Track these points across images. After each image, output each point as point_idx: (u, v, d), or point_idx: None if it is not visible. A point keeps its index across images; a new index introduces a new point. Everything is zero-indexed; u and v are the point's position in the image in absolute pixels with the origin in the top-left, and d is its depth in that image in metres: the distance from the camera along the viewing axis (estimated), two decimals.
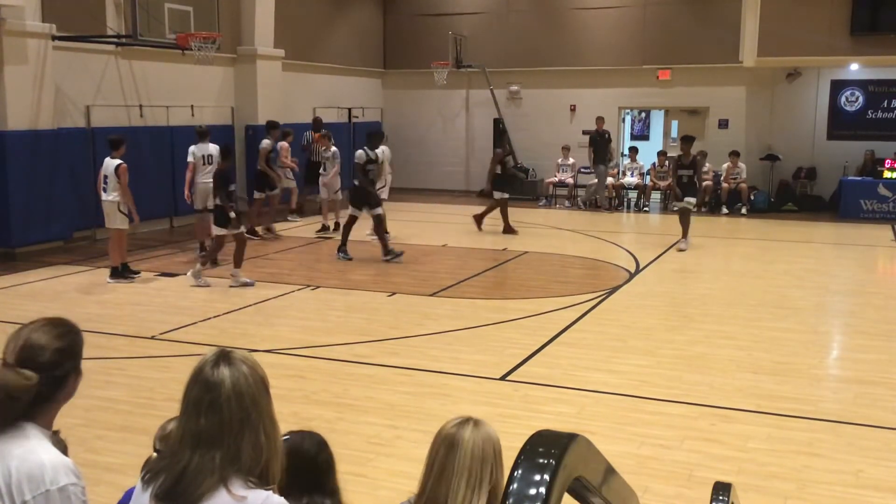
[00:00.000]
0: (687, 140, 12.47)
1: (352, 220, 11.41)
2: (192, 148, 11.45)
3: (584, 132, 18.27)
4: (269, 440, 1.99)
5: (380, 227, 11.28)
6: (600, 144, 17.07)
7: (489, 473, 2.26)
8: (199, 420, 1.97)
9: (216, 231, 9.88)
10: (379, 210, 11.25)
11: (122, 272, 9.97)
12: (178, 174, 14.18)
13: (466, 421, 2.34)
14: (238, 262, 9.74)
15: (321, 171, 13.89)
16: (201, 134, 11.60)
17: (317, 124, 15.50)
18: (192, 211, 14.49)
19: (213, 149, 11.36)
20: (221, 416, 1.96)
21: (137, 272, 10.16)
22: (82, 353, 2.26)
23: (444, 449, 2.31)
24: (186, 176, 11.42)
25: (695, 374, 6.59)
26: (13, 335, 2.16)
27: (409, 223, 15.36)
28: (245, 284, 9.64)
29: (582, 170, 18.31)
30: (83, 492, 2.13)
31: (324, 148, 13.82)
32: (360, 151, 11.33)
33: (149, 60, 13.56)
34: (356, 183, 11.36)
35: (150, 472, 2.00)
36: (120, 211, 9.80)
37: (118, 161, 9.76)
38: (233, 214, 9.61)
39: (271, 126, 13.65)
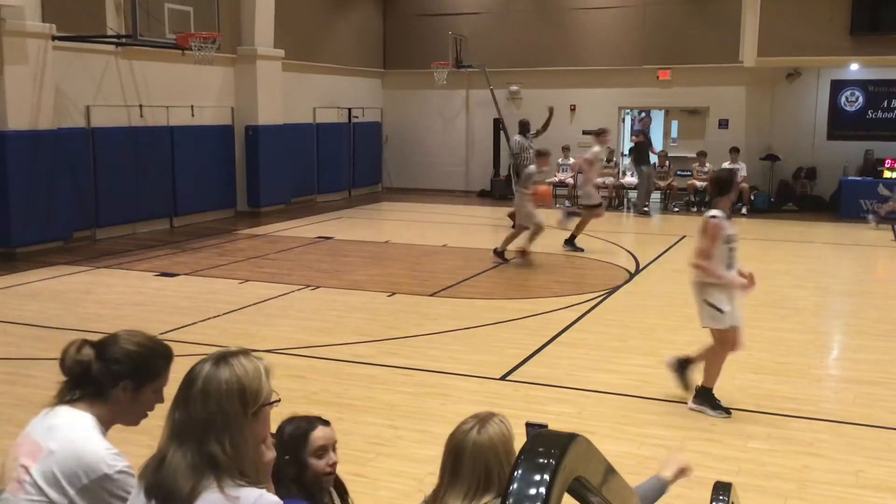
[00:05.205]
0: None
1: None
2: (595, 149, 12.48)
3: (585, 132, 18.27)
4: (237, 451, 1.93)
5: None
6: (643, 144, 16.83)
7: (495, 479, 2.25)
8: (174, 413, 1.98)
9: None
10: None
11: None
12: (179, 174, 14.23)
13: (473, 425, 2.32)
14: None
15: None
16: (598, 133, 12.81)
17: None
18: (188, 212, 14.57)
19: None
20: (189, 412, 1.95)
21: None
22: (154, 376, 2.37)
23: (451, 459, 2.30)
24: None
25: (695, 374, 6.58)
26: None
27: (409, 223, 15.37)
28: None
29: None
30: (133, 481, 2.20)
31: None
32: None
33: (149, 60, 13.55)
34: None
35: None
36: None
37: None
38: None
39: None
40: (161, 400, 2.40)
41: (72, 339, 2.40)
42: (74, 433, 2.23)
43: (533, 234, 11.10)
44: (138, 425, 2.43)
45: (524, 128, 14.53)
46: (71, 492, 2.15)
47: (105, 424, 2.33)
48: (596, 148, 12.51)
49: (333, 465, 2.70)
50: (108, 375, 2.30)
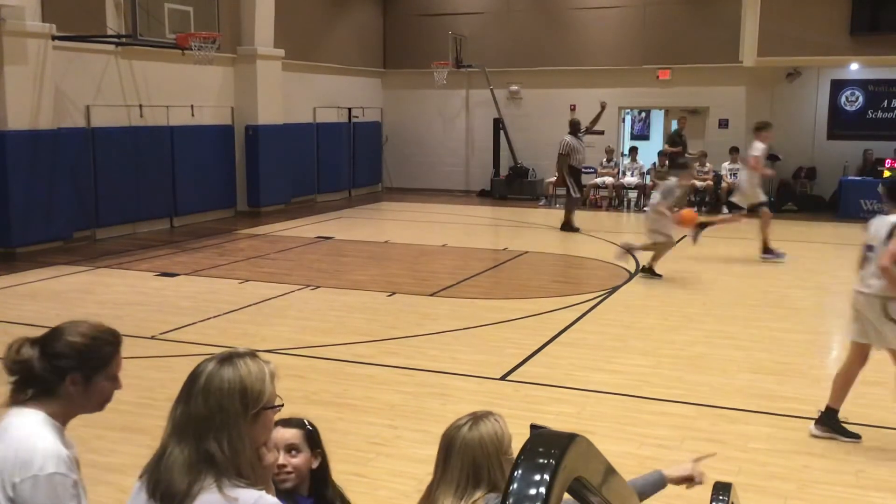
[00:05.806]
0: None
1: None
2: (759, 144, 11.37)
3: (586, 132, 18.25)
4: (234, 451, 1.93)
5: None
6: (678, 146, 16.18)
7: (484, 476, 2.26)
8: (176, 410, 1.98)
9: None
10: None
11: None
12: (178, 174, 14.24)
13: (466, 422, 2.33)
14: None
15: None
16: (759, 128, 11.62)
17: None
18: (188, 212, 14.58)
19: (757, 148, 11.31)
20: (190, 409, 1.95)
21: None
22: (103, 365, 2.29)
23: (443, 454, 2.32)
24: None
25: (695, 374, 6.59)
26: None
27: (409, 223, 15.37)
28: None
29: (584, 169, 18.29)
30: (73, 485, 2.15)
31: None
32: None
33: (149, 60, 13.56)
34: None
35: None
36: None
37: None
38: None
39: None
40: (118, 386, 2.32)
41: (16, 338, 2.30)
42: (18, 432, 2.18)
43: (660, 250, 10.44)
44: (103, 409, 2.34)
45: (574, 127, 14.24)
46: (10, 493, 2.10)
47: (61, 420, 2.27)
48: (759, 144, 11.31)
49: (272, 464, 2.55)
50: (54, 371, 2.21)
